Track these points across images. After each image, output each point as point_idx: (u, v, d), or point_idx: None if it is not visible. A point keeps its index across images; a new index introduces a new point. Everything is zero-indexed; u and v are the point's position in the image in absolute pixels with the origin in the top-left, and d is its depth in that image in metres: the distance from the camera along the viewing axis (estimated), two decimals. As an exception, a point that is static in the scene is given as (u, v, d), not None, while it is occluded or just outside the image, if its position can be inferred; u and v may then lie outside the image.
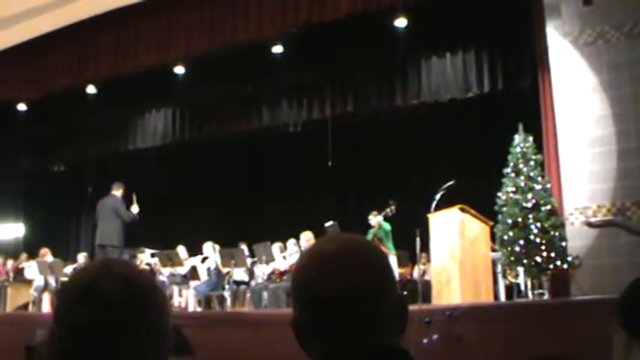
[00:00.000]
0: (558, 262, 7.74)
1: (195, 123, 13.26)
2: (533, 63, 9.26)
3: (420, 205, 9.23)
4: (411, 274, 11.64)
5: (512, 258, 7.90)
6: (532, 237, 7.77)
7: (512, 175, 8.14)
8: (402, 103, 11.26)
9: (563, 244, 7.86)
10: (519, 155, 8.16)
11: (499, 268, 8.95)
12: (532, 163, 8.13)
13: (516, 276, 8.69)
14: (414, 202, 11.23)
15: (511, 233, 7.89)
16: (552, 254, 7.70)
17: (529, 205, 7.89)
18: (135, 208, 10.73)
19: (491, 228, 8.45)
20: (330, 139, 12.25)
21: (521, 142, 8.25)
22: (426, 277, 10.40)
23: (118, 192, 10.87)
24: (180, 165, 14.92)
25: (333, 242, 1.17)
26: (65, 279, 11.05)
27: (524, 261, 7.79)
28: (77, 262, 12.53)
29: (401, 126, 12.50)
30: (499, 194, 8.22)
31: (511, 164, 8.20)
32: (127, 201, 10.85)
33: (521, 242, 7.80)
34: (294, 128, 12.80)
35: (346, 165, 13.29)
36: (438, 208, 8.29)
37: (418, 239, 8.35)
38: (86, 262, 11.28)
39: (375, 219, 9.88)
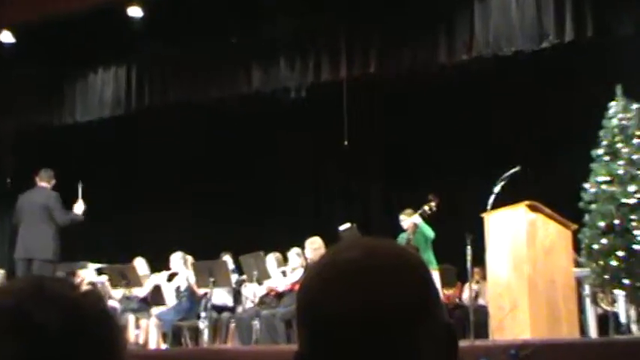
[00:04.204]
0: (677, 284, 7.42)
1: (159, 87, 13.15)
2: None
3: (471, 201, 9.40)
4: (460, 297, 11.73)
5: (607, 276, 7.93)
6: (636, 246, 7.77)
7: (607, 158, 8.18)
8: (447, 60, 11.16)
9: (684, 257, 7.88)
10: (617, 130, 8.13)
11: (587, 289, 8.93)
12: (636, 141, 8.12)
13: (613, 302, 8.67)
14: (464, 196, 11.44)
15: (604, 241, 7.93)
16: (667, 272, 7.56)
17: (631, 200, 7.91)
18: (79, 206, 10.46)
19: (575, 233, 8.51)
20: (346, 109, 12.01)
21: (619, 111, 8.22)
22: (481, 302, 10.70)
23: (47, 183, 10.54)
24: (137, 146, 14.91)
25: (352, 249, 1.19)
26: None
27: (625, 281, 7.80)
28: (-8, 283, 12.49)
29: (444, 91, 12.46)
30: (586, 185, 8.29)
31: (604, 143, 8.22)
32: (65, 195, 10.55)
33: (621, 254, 7.81)
34: (297, 94, 12.55)
35: (368, 144, 13.26)
36: (497, 204, 8.31)
37: (469, 248, 8.37)
38: (6, 282, 11.07)
39: (409, 219, 10.01)
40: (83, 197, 10.61)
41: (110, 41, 12.99)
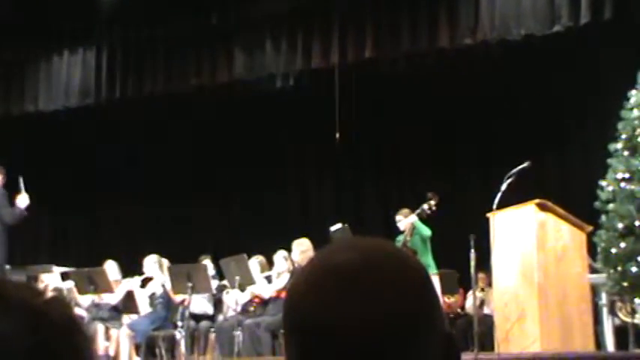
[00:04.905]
0: None
1: (133, 73, 13.08)
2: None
3: (475, 199, 9.90)
4: (463, 306, 11.74)
5: (626, 283, 7.91)
6: (659, 251, 7.73)
7: (626, 153, 8.15)
8: (449, 44, 11.13)
9: None
10: (637, 122, 8.10)
11: (603, 298, 8.91)
12: (659, 134, 8.07)
13: (633, 312, 8.63)
14: (467, 194, 11.66)
15: (623, 244, 7.92)
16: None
17: (653, 200, 7.92)
18: (23, 200, 10.40)
19: (590, 235, 8.50)
20: (338, 99, 11.92)
21: (640, 101, 8.13)
22: (486, 311, 10.73)
23: None
24: (107, 137, 14.76)
25: (344, 252, 1.18)
26: None
27: (647, 289, 7.62)
28: None
29: (446, 79, 12.44)
30: (602, 183, 8.29)
31: (623, 136, 8.18)
32: (10, 190, 10.47)
33: (641, 259, 7.77)
34: (284, 83, 12.61)
35: (362, 138, 13.25)
36: (504, 203, 8.29)
37: (473, 252, 8.45)
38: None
39: (406, 220, 9.94)
40: (25, 190, 10.56)
41: (77, 21, 12.96)
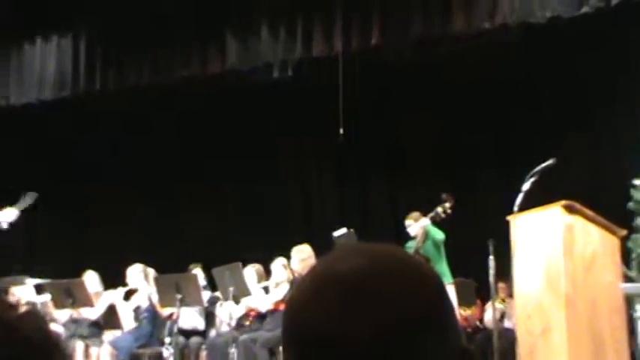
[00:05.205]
0: None
1: (115, 63, 13.04)
2: None
3: (495, 201, 9.75)
4: (481, 319, 11.70)
5: None
6: (702, 258, 7.83)
7: None
8: (466, 28, 10.97)
9: None
10: None
11: (638, 310, 8.78)
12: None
13: None
14: (485, 194, 11.68)
15: None
16: None
17: (693, 201, 8.11)
18: (10, 214, 10.43)
19: (623, 240, 8.37)
20: (342, 90, 11.66)
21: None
22: (507, 324, 10.68)
23: None
24: (86, 132, 14.74)
25: (349, 259, 1.20)
26: None
27: (689, 300, 7.88)
28: None
29: (459, 67, 12.39)
30: (637, 181, 8.45)
31: None
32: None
33: (681, 267, 7.93)
34: (282, 73, 12.45)
35: (369, 133, 13.24)
36: (526, 205, 8.10)
37: (492, 259, 8.35)
38: None
39: (417, 225, 10.00)
40: (23, 211, 10.63)
41: (55, 4, 12.95)
